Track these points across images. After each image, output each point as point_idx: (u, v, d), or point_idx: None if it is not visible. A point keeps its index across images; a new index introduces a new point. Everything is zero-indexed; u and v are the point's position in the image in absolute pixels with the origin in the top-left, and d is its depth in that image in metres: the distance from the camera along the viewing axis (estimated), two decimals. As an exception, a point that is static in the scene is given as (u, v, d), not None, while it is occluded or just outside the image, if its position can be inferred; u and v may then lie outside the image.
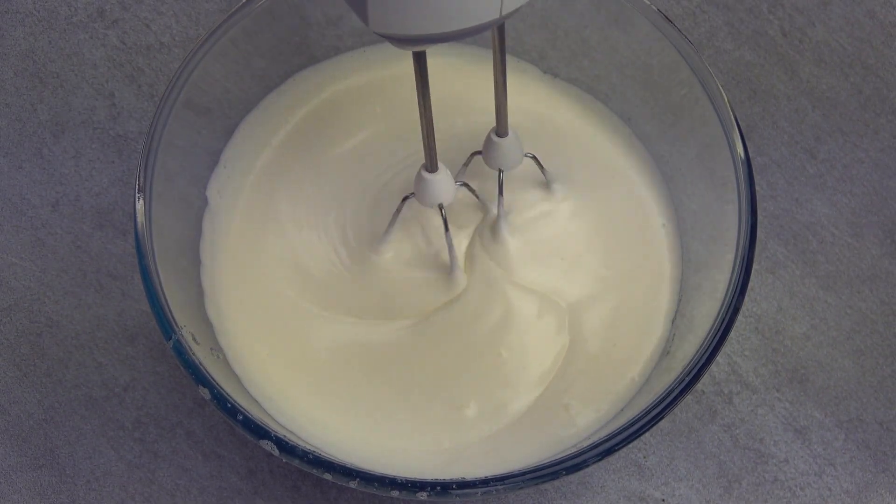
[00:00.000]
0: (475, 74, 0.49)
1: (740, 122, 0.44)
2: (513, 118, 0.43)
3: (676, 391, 0.40)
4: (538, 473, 0.39)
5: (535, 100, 0.49)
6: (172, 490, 0.48)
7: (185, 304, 0.43)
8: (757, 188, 0.43)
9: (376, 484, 0.38)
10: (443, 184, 0.43)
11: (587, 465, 0.39)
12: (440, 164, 0.42)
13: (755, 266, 0.47)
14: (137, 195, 0.41)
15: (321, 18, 0.48)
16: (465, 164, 0.46)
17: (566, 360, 0.45)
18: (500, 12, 0.34)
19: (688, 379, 0.40)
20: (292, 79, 0.49)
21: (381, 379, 0.45)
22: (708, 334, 0.41)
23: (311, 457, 0.39)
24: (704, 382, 0.50)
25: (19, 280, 0.50)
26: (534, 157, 0.46)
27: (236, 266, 0.46)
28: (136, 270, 0.50)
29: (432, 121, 0.40)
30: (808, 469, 0.49)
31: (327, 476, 0.38)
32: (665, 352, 0.45)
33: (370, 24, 0.34)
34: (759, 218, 0.50)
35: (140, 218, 0.41)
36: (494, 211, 0.46)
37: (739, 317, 0.41)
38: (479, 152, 0.45)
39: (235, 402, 0.39)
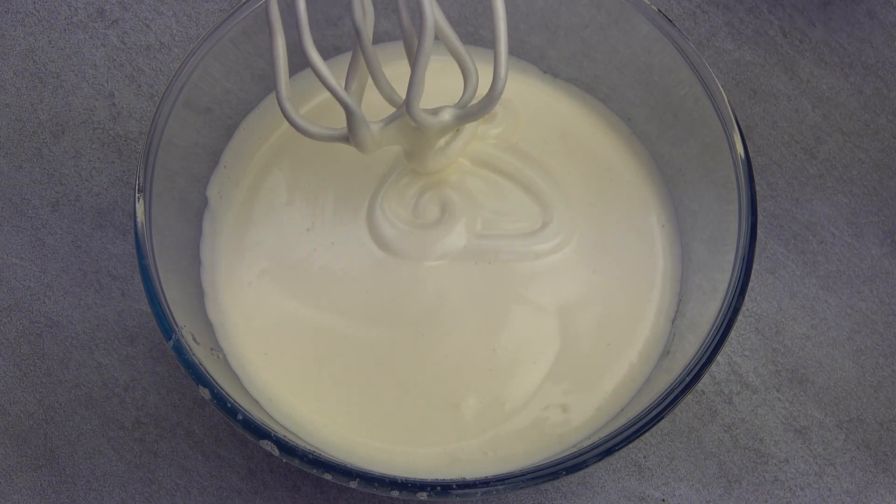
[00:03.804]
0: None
1: (740, 122, 0.44)
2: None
3: (676, 391, 0.40)
4: (538, 473, 0.39)
5: (535, 100, 0.49)
6: (172, 490, 0.48)
7: (185, 304, 0.43)
8: (757, 188, 0.43)
9: (376, 484, 0.38)
10: None
11: (587, 465, 0.39)
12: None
13: (755, 266, 0.47)
14: (137, 195, 0.41)
15: (321, 18, 0.48)
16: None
17: (561, 361, 0.45)
18: None
19: (688, 379, 0.40)
20: (292, 79, 0.49)
21: (381, 379, 0.45)
22: (708, 334, 0.41)
23: (311, 457, 0.39)
24: (704, 382, 0.50)
25: (19, 280, 0.50)
26: None
27: (236, 266, 0.46)
28: (136, 270, 0.50)
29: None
30: (808, 469, 0.49)
31: (327, 476, 0.38)
32: (665, 352, 0.45)
33: None
34: (759, 218, 0.50)
35: (140, 218, 0.41)
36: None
37: (739, 317, 0.41)
38: None
39: (235, 402, 0.39)
